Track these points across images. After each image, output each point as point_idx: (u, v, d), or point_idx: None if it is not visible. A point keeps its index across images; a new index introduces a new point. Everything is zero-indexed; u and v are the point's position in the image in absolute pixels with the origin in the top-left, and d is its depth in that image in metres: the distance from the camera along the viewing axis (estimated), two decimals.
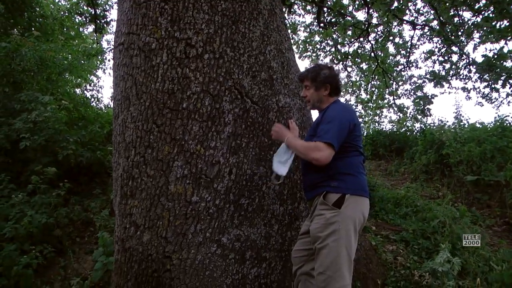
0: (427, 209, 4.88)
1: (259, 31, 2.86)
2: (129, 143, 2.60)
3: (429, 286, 3.22)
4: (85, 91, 9.67)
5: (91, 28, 11.41)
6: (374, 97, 13.20)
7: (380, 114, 13.58)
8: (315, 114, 2.72)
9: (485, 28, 6.75)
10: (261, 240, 2.67)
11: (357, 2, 9.98)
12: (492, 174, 5.80)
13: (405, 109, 12.20)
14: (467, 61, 9.30)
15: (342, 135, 2.19)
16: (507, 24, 6.29)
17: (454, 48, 9.22)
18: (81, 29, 11.53)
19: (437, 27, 8.67)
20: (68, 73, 7.32)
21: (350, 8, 10.34)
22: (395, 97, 12.38)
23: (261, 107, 2.77)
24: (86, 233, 4.41)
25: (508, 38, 6.86)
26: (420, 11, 9.67)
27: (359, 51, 11.58)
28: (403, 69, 12.02)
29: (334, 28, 10.19)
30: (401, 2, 7.75)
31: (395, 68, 12.03)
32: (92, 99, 8.50)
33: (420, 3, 9.27)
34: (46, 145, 4.73)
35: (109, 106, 8.59)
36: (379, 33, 11.06)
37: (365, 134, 10.90)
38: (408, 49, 11.04)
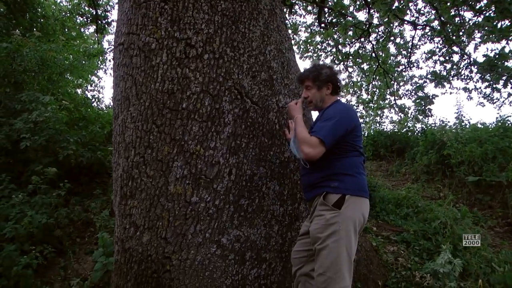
0: (428, 210, 4.87)
1: (259, 31, 2.85)
2: (129, 143, 2.59)
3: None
4: (86, 92, 9.70)
5: (92, 28, 11.43)
6: (375, 98, 13.19)
7: (381, 115, 13.56)
8: (315, 115, 2.71)
9: (486, 28, 6.73)
10: (261, 240, 2.66)
11: (358, 3, 9.96)
12: (493, 175, 5.79)
13: (406, 109, 12.18)
14: (468, 61, 9.28)
15: (337, 134, 2.18)
16: (509, 23, 6.27)
17: (455, 48, 9.20)
18: (82, 29, 11.55)
19: (438, 27, 8.65)
20: (69, 74, 7.33)
21: (351, 8, 10.33)
22: (396, 98, 12.35)
23: (261, 107, 2.77)
24: (86, 234, 4.41)
25: (510, 38, 6.84)
26: (421, 11, 9.66)
27: (360, 51, 11.56)
28: (404, 70, 12.00)
29: (335, 28, 10.19)
30: (402, 2, 7.74)
31: (396, 69, 12.01)
32: (93, 100, 8.50)
33: (421, 3, 9.26)
34: (47, 145, 4.74)
35: (110, 106, 8.59)
36: (380, 33, 11.05)
37: (366, 135, 10.89)
38: (409, 49, 11.02)
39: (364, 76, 13.03)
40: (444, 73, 10.13)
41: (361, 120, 13.15)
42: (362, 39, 10.70)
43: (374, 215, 4.81)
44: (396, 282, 3.39)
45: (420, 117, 11.02)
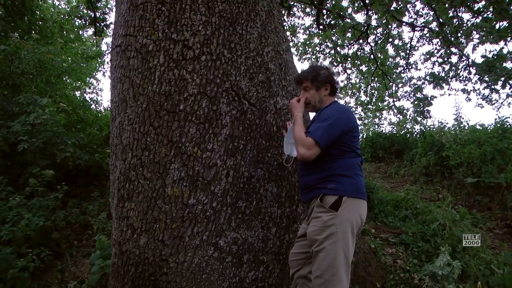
0: (427, 211, 4.86)
1: (256, 32, 2.84)
2: (126, 145, 2.58)
3: None
4: (85, 94, 9.69)
5: (90, 31, 11.44)
6: (374, 99, 13.20)
7: (380, 116, 13.59)
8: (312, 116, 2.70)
9: (484, 29, 6.74)
10: (259, 243, 2.64)
11: (356, 4, 9.97)
12: (492, 176, 5.79)
13: (404, 111, 12.21)
14: (467, 62, 9.30)
15: (333, 135, 2.17)
16: (507, 24, 6.28)
17: (454, 50, 9.22)
18: (80, 32, 11.56)
19: (436, 29, 8.67)
20: (67, 76, 7.32)
21: (350, 10, 10.35)
22: (394, 99, 12.38)
23: (259, 109, 2.76)
24: (84, 236, 4.40)
25: (508, 39, 6.85)
26: (419, 13, 9.69)
27: (359, 53, 11.59)
28: (402, 71, 12.02)
29: (334, 30, 10.19)
30: (400, 3, 7.75)
31: (394, 70, 12.03)
32: (91, 102, 8.50)
33: (419, 4, 9.28)
34: (45, 148, 4.73)
35: (108, 108, 8.58)
36: (378, 35, 11.07)
37: (364, 136, 10.89)
38: (408, 51, 11.05)
39: (362, 77, 13.05)
40: (443, 75, 10.15)
41: (359, 122, 13.20)
42: (361, 41, 10.72)
43: (372, 217, 4.79)
44: (394, 284, 3.38)
45: (419, 119, 11.05)
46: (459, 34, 8.42)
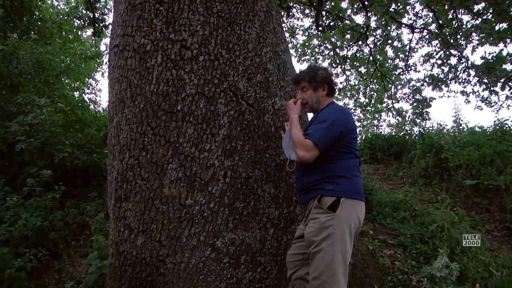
0: (425, 213, 4.86)
1: (255, 33, 2.84)
2: (124, 145, 2.58)
3: None
4: (84, 94, 9.68)
5: (89, 31, 11.43)
6: (373, 101, 13.20)
7: (379, 118, 13.57)
8: (310, 116, 2.70)
9: (484, 30, 6.74)
10: (256, 244, 2.63)
11: (355, 6, 9.98)
12: (491, 178, 5.78)
13: (403, 112, 12.20)
14: (466, 64, 9.30)
15: (332, 136, 2.16)
16: (506, 26, 6.28)
17: (453, 51, 9.22)
18: (79, 32, 11.55)
19: (436, 30, 8.67)
20: (65, 76, 7.31)
21: (349, 11, 10.34)
22: (393, 101, 12.37)
23: (257, 110, 2.75)
24: (81, 237, 4.38)
25: (508, 41, 6.85)
26: (419, 14, 9.68)
27: (358, 54, 11.59)
28: (401, 73, 12.01)
29: (333, 31, 10.20)
30: (399, 4, 7.76)
31: (393, 72, 12.03)
32: (90, 103, 8.49)
33: (419, 6, 9.29)
34: (42, 148, 4.72)
35: (106, 109, 8.57)
36: (377, 36, 11.08)
37: (363, 138, 10.89)
38: (407, 53, 11.05)
39: (361, 79, 13.06)
40: (442, 76, 10.14)
41: (358, 124, 13.21)
42: (360, 43, 10.73)
43: (371, 218, 4.79)
44: (392, 286, 3.37)
45: (418, 121, 11.04)
46: (458, 36, 8.42)
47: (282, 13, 9.78)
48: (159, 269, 2.42)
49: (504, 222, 5.33)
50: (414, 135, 10.07)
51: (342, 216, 2.09)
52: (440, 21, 8.12)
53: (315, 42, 12.04)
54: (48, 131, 4.80)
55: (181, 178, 2.46)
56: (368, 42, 10.59)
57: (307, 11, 11.11)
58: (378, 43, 11.17)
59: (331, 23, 10.69)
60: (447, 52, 9.53)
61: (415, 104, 11.01)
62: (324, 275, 2.03)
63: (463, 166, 6.36)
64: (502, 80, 7.60)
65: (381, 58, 11.39)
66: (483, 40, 7.60)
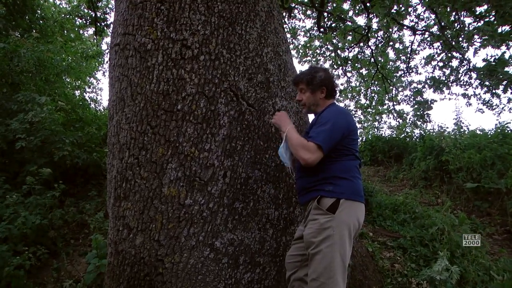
0: (425, 216, 4.85)
1: (256, 33, 2.83)
2: (123, 144, 2.57)
3: None
4: (84, 93, 9.69)
5: (91, 30, 11.44)
6: (374, 103, 13.20)
7: (380, 120, 13.57)
8: (312, 118, 2.69)
9: (486, 33, 6.71)
10: (255, 244, 2.62)
11: (357, 7, 9.97)
12: (492, 182, 5.77)
13: (404, 115, 12.19)
14: (468, 66, 9.28)
15: (334, 139, 2.15)
16: (509, 29, 6.25)
17: (455, 54, 9.20)
18: (81, 31, 11.56)
19: (438, 33, 8.65)
20: (66, 75, 7.32)
21: (350, 13, 10.35)
22: (394, 103, 12.36)
23: (257, 110, 2.74)
24: (80, 235, 4.38)
25: (510, 43, 6.82)
26: (421, 16, 9.67)
27: (359, 56, 11.58)
28: (403, 75, 12.00)
29: (334, 33, 10.19)
30: (401, 6, 7.74)
31: (395, 74, 12.02)
32: (91, 101, 8.49)
33: (421, 8, 9.27)
34: (42, 146, 4.72)
35: (107, 107, 8.58)
36: (379, 38, 11.06)
37: (364, 140, 10.87)
38: (408, 55, 11.03)
39: (362, 81, 13.05)
40: (443, 79, 10.13)
41: (359, 125, 13.20)
42: (361, 44, 10.72)
43: (370, 220, 4.78)
44: None
45: (419, 123, 11.02)
46: (460, 38, 8.40)
47: (284, 13, 9.79)
48: (158, 268, 2.41)
49: (505, 225, 5.31)
50: (415, 137, 10.05)
51: (341, 217, 2.08)
52: (442, 23, 8.10)
53: (317, 43, 12.07)
54: (48, 130, 4.80)
55: (181, 178, 2.45)
56: (370, 43, 10.59)
57: (308, 12, 11.11)
58: (380, 45, 11.16)
59: (333, 24, 10.69)
60: (449, 54, 9.51)
61: (416, 106, 11.00)
62: (322, 277, 2.02)
63: (464, 169, 6.34)
64: (504, 83, 7.57)
65: (382, 60, 11.39)
66: (485, 42, 7.57)
